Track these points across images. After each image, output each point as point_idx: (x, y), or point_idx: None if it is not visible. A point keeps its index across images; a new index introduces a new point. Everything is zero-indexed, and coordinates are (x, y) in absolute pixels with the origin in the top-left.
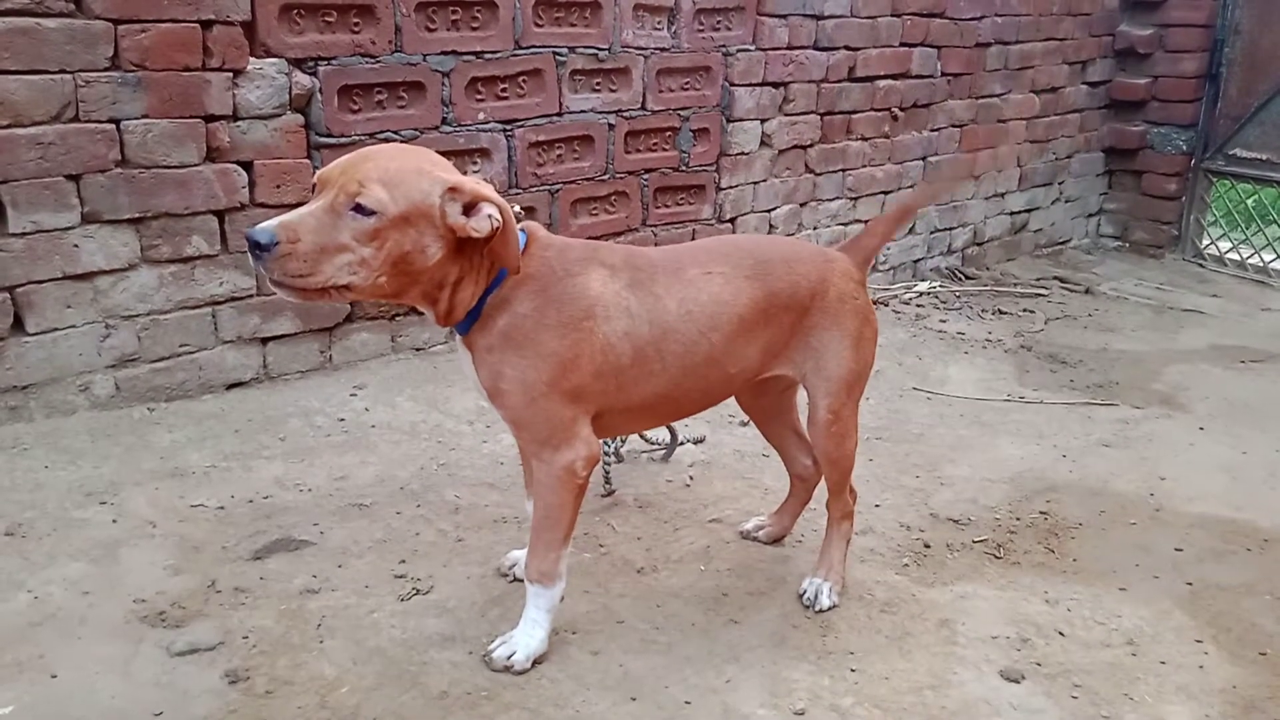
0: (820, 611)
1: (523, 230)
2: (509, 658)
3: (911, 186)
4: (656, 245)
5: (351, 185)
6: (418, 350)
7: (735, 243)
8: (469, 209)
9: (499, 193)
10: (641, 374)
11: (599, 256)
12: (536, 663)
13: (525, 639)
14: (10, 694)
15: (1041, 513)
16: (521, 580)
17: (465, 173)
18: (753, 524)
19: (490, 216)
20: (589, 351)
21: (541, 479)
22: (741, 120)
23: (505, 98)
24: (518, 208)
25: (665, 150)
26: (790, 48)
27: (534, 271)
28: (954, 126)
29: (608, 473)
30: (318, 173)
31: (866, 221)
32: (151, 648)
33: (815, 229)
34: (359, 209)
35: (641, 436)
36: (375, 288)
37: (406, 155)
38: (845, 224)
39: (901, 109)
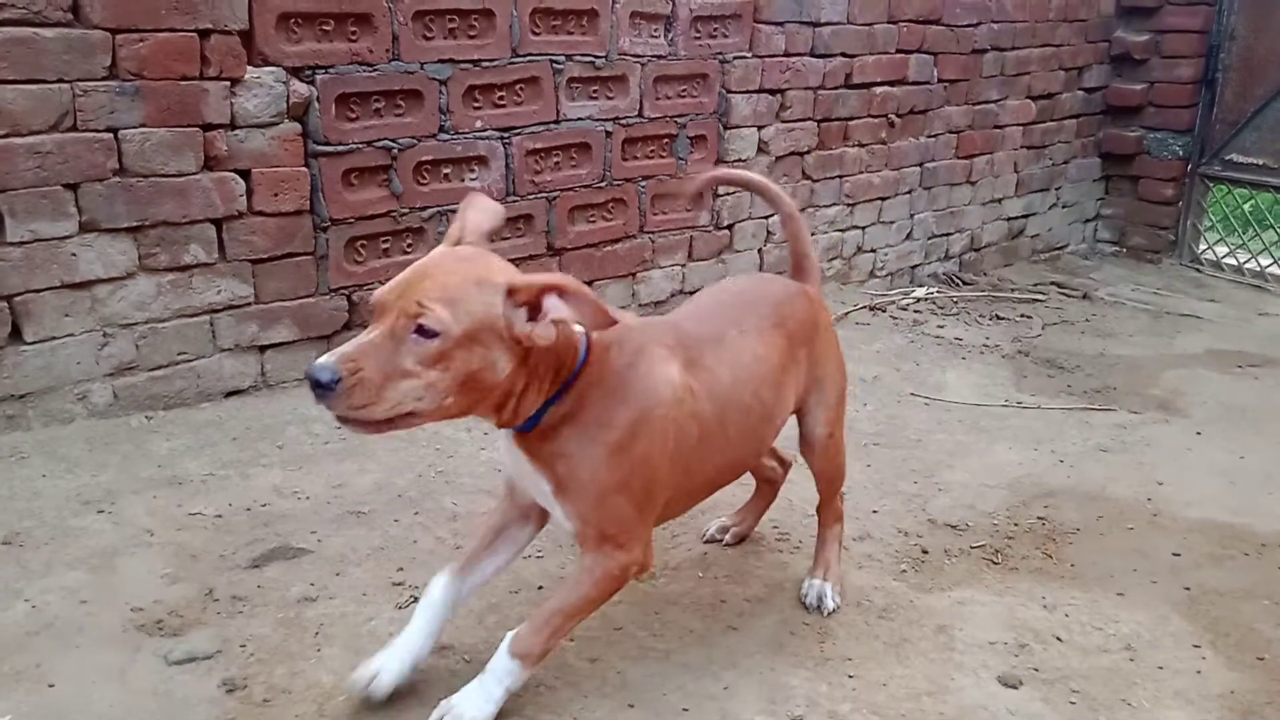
0: (828, 615)
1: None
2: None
3: (909, 192)
4: (654, 252)
5: (411, 307)
6: None
7: (745, 291)
8: (532, 310)
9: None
10: (708, 451)
11: (653, 338)
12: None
13: (472, 711)
14: (8, 703)
15: (1039, 518)
16: (378, 699)
17: (463, 181)
18: (716, 526)
19: (554, 318)
20: (661, 442)
21: (590, 568)
22: (739, 127)
23: (503, 106)
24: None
25: (663, 157)
26: (787, 55)
27: (597, 371)
28: (951, 133)
29: None
30: (374, 296)
31: (864, 228)
32: (149, 656)
33: (812, 235)
34: (421, 331)
35: None
36: (444, 410)
37: (464, 266)
38: (842, 230)
39: (898, 115)
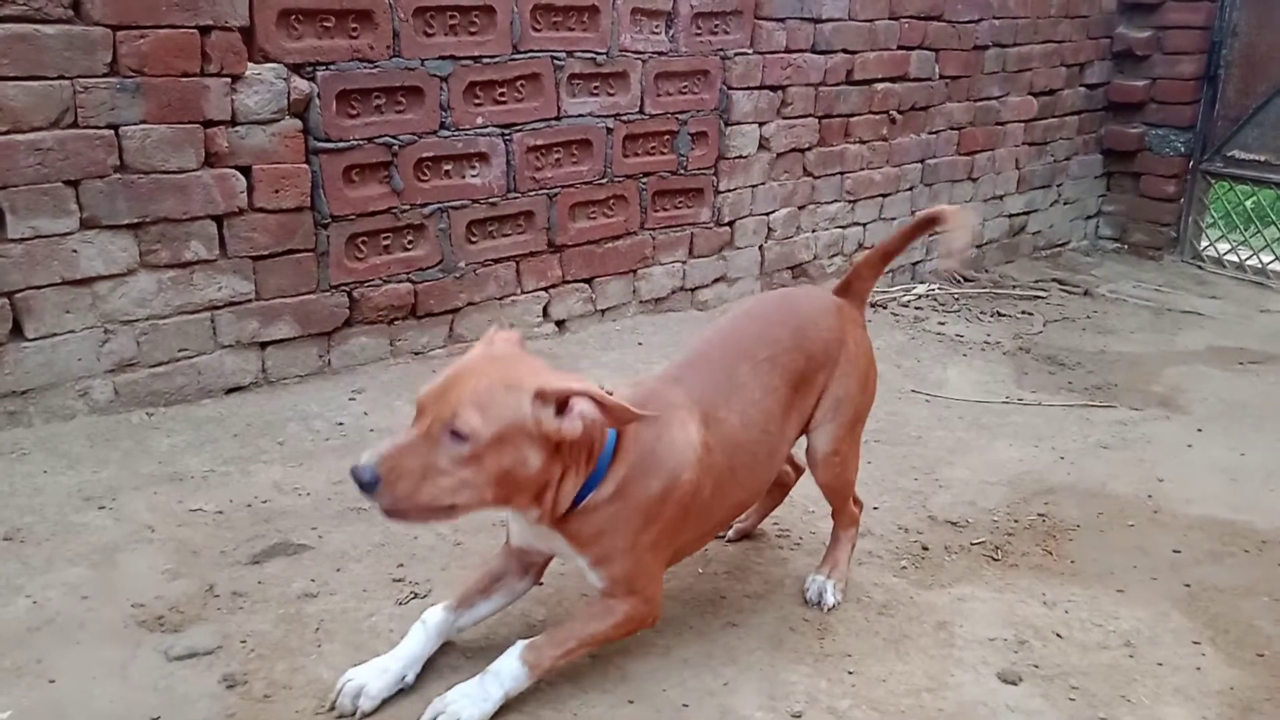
0: (828, 610)
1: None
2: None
3: (910, 189)
4: (654, 248)
5: (445, 412)
6: (416, 354)
7: (768, 314)
8: (560, 408)
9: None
10: (720, 497)
11: (674, 402)
12: None
13: (470, 710)
14: (9, 699)
15: (1039, 515)
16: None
17: (464, 178)
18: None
19: (581, 414)
20: (687, 502)
21: (614, 609)
22: (740, 124)
23: (503, 102)
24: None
25: (663, 154)
26: (788, 51)
27: (631, 450)
28: (952, 129)
29: None
30: (417, 397)
31: (864, 224)
32: (150, 652)
33: (813, 232)
34: (455, 434)
35: None
36: (482, 504)
37: (495, 369)
38: (843, 227)
39: (900, 112)
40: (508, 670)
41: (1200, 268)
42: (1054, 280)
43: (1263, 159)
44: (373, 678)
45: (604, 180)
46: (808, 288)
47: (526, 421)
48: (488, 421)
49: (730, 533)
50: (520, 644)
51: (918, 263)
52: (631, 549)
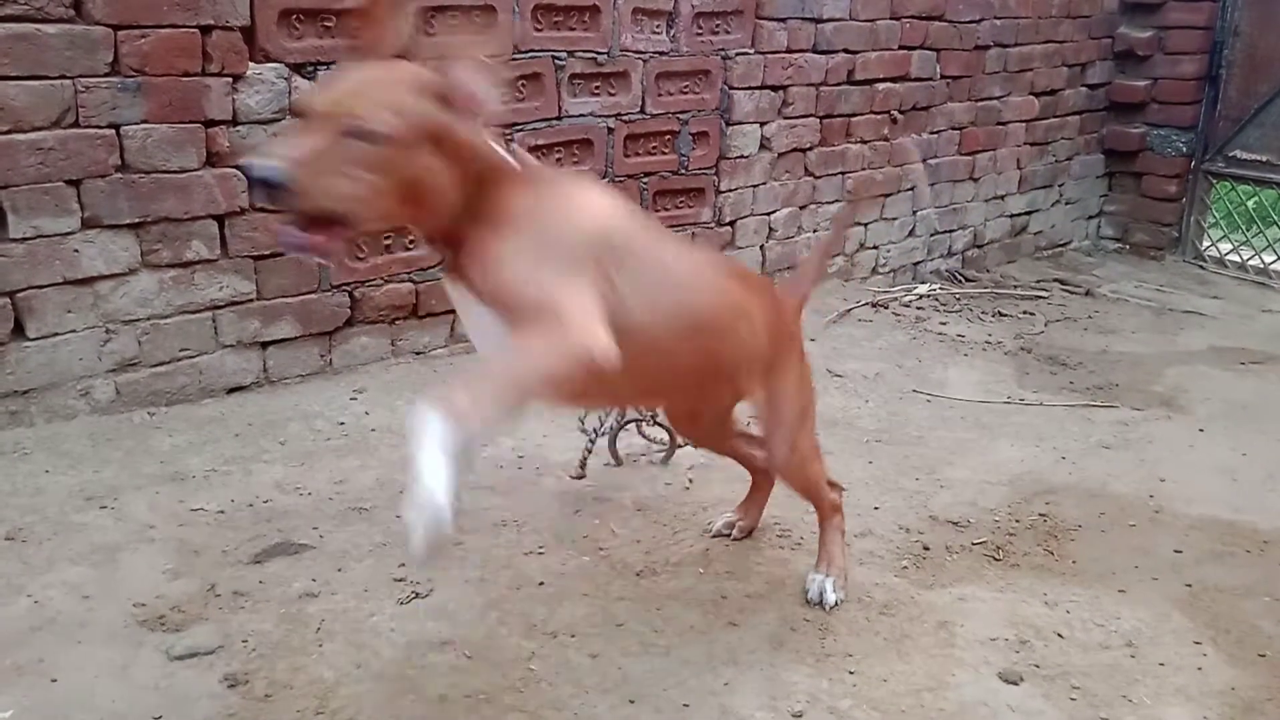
0: (830, 609)
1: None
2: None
3: (911, 189)
4: None
5: (353, 109)
6: (418, 354)
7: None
8: (459, 97)
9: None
10: (629, 308)
11: (588, 187)
12: None
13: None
14: (10, 698)
15: (1041, 515)
16: None
17: None
18: (723, 522)
19: (475, 88)
20: (582, 242)
21: (542, 338)
22: (741, 123)
23: (504, 101)
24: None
25: (664, 153)
26: (789, 51)
27: (530, 177)
28: (953, 129)
29: (585, 457)
30: (309, 103)
31: (865, 225)
32: (151, 651)
33: (815, 231)
34: (365, 136)
35: (642, 434)
36: (385, 215)
37: (395, 70)
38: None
39: (901, 112)
40: (431, 431)
41: (1202, 268)
42: (1055, 280)
43: (1264, 159)
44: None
45: (605, 179)
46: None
47: (435, 118)
48: (397, 121)
49: (734, 530)
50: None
51: (919, 263)
52: (535, 258)
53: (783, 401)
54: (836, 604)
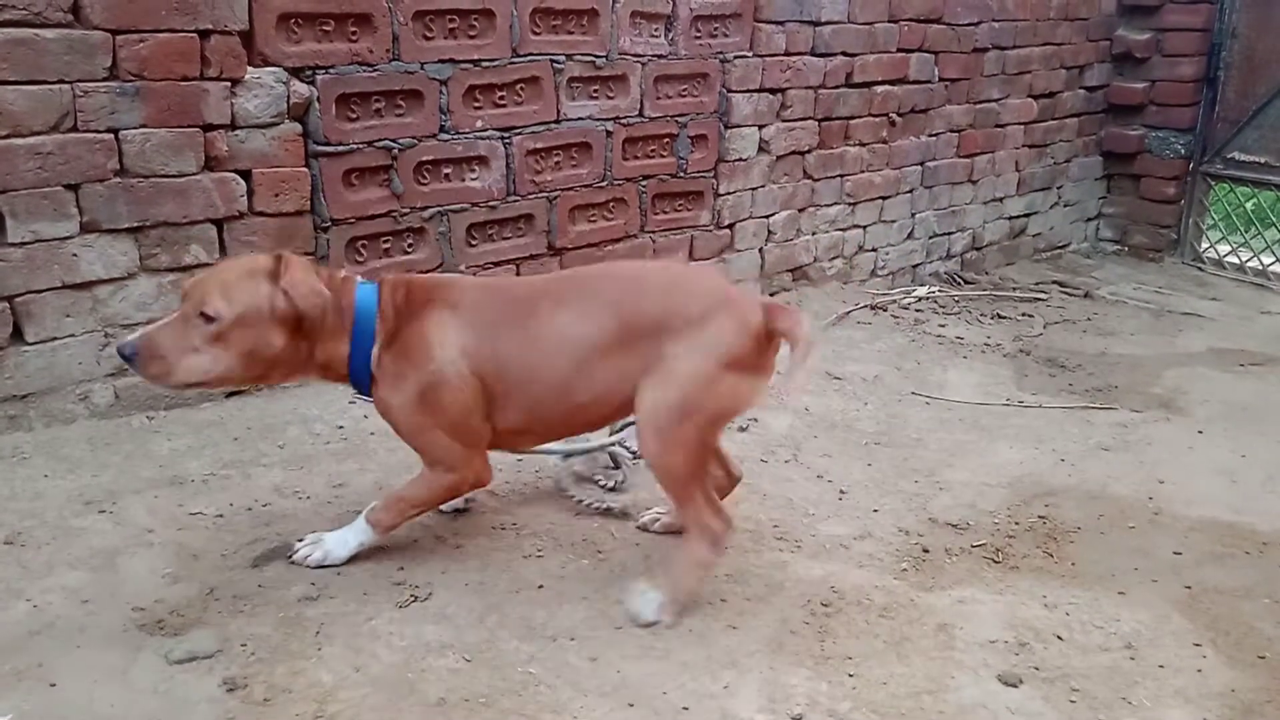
0: (643, 625)
1: (369, 282)
2: (307, 556)
3: (910, 191)
4: (655, 252)
5: (198, 297)
6: None
7: (611, 271)
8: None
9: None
10: (497, 404)
11: (442, 294)
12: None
13: (332, 546)
14: (9, 703)
15: (1040, 517)
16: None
17: (464, 181)
18: (649, 516)
19: (289, 285)
20: (449, 394)
21: (428, 478)
22: (739, 126)
23: (503, 105)
24: (344, 271)
25: (663, 157)
26: (788, 54)
27: (391, 321)
28: (952, 131)
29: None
30: (184, 285)
31: (865, 227)
32: (150, 656)
33: (814, 234)
34: (204, 317)
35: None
36: (233, 378)
37: (247, 263)
38: (844, 229)
39: (899, 114)
40: (359, 526)
41: (1200, 270)
42: (1054, 282)
43: (1263, 161)
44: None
45: (604, 183)
46: (690, 270)
47: (264, 305)
48: (231, 305)
49: (657, 526)
50: (368, 508)
51: (918, 265)
52: (410, 426)
53: (662, 376)
54: (652, 624)
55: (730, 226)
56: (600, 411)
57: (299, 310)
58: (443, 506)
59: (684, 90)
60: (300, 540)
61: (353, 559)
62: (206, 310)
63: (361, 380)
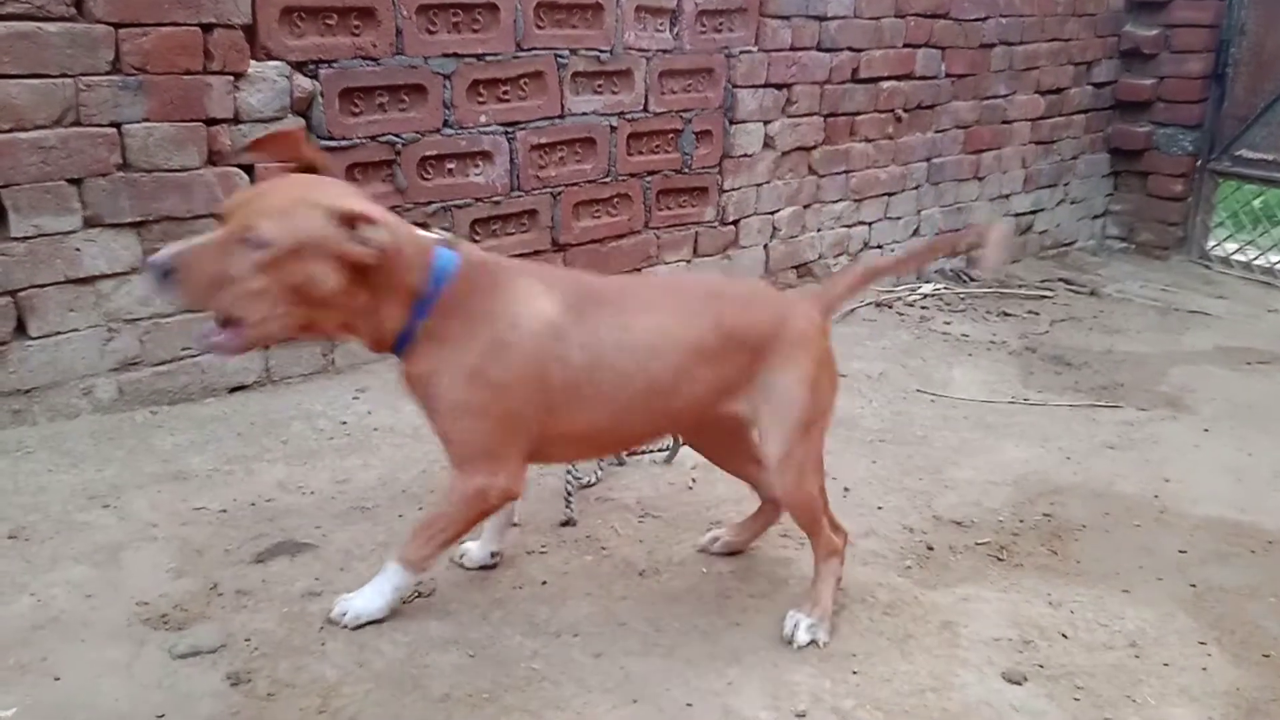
0: (799, 648)
1: (452, 250)
2: (342, 615)
3: (916, 188)
4: (659, 247)
5: (245, 219)
6: None
7: (692, 279)
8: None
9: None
10: (574, 401)
11: (537, 276)
12: (374, 622)
13: (363, 603)
14: (13, 696)
15: (1045, 515)
16: (469, 569)
17: (467, 176)
18: (708, 538)
19: (371, 236)
20: (519, 373)
21: (452, 490)
22: (744, 122)
23: (507, 100)
24: (437, 231)
25: (668, 152)
26: (793, 49)
27: (463, 294)
28: (958, 128)
29: (569, 499)
30: (223, 206)
31: (870, 223)
32: (154, 650)
33: (819, 231)
34: (250, 242)
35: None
36: (277, 320)
37: (302, 187)
38: (849, 226)
39: (905, 110)
40: (389, 570)
41: (1208, 267)
42: (1060, 280)
43: (1271, 158)
44: (476, 548)
45: (608, 179)
46: (757, 281)
47: (323, 237)
48: (284, 231)
49: (717, 545)
50: (395, 549)
51: None
52: (453, 403)
53: (776, 396)
54: (807, 644)
55: (735, 223)
56: (682, 421)
57: (377, 257)
58: (467, 561)
59: (689, 85)
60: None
61: (353, 555)
62: (255, 234)
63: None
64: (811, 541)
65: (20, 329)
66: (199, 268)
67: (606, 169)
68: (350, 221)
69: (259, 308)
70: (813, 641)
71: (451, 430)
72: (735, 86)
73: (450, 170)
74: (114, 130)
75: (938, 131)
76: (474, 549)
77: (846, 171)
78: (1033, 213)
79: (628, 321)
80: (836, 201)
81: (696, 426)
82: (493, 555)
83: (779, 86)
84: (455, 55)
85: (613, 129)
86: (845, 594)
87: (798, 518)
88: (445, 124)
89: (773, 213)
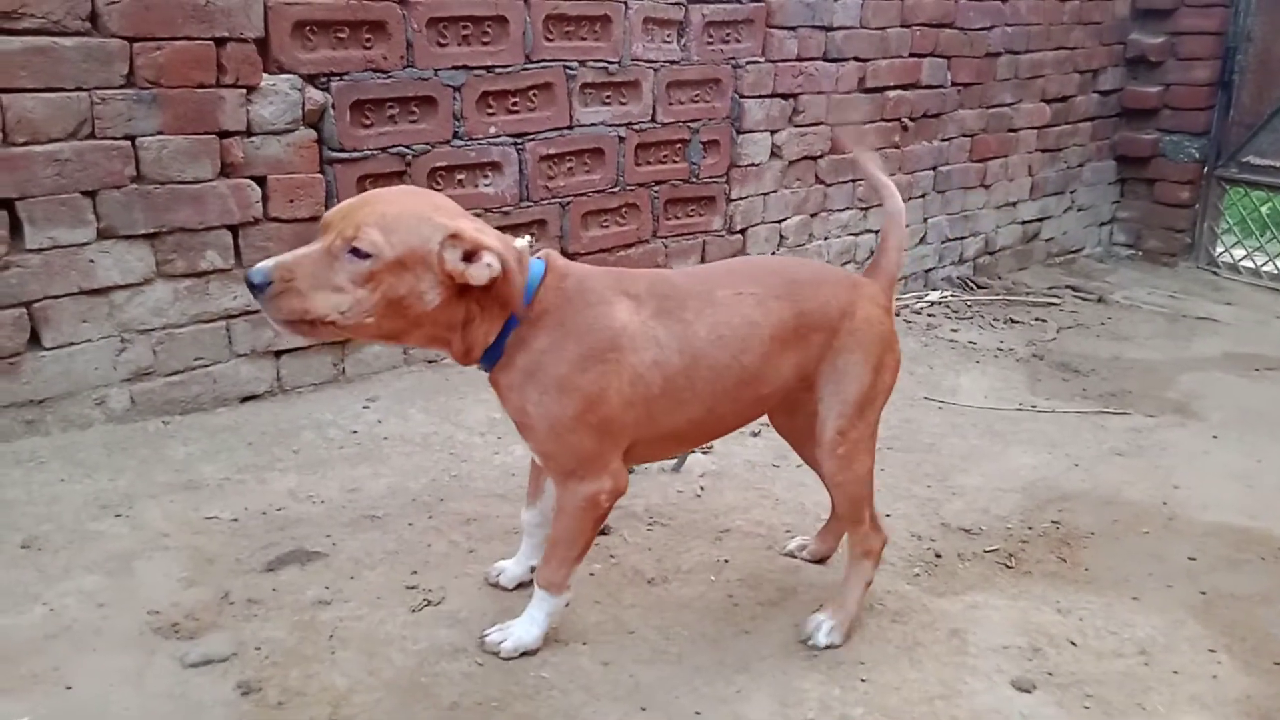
0: (817, 650)
1: (540, 259)
2: (499, 644)
3: (923, 196)
4: (666, 256)
5: (349, 229)
6: (430, 362)
7: (762, 263)
8: (469, 256)
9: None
10: (673, 402)
11: (622, 285)
12: (527, 654)
13: (520, 632)
14: (25, 705)
15: (1054, 522)
16: (508, 589)
17: (477, 186)
18: (795, 544)
19: (489, 265)
20: (616, 384)
21: (564, 504)
22: (751, 132)
23: (516, 111)
24: (525, 239)
25: (675, 162)
26: (800, 59)
27: (552, 304)
28: (965, 136)
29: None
30: (326, 215)
31: (877, 231)
32: (165, 659)
33: (826, 239)
34: (355, 252)
35: None
36: (367, 328)
37: (409, 199)
38: (856, 234)
39: (912, 119)
40: (536, 597)
41: (1215, 274)
42: (1068, 287)
43: (1277, 165)
44: (512, 565)
45: (616, 189)
46: (823, 263)
47: (431, 255)
48: (391, 244)
49: (805, 553)
50: (539, 573)
51: (930, 270)
52: (550, 419)
53: (846, 380)
54: (828, 647)
55: (742, 231)
56: (765, 406)
57: (498, 281)
58: (504, 580)
59: (696, 96)
60: (487, 632)
61: (363, 564)
62: (360, 245)
63: (495, 360)
64: (849, 535)
65: (34, 340)
66: (300, 279)
67: (615, 179)
68: (466, 251)
69: (352, 315)
70: (830, 645)
71: (548, 444)
72: (742, 96)
73: (460, 181)
74: (128, 143)
75: (944, 140)
76: (510, 567)
77: (854, 180)
78: (1040, 220)
79: (717, 317)
80: (843, 210)
81: (780, 411)
82: (531, 570)
83: (786, 96)
84: (465, 67)
85: (621, 139)
86: (849, 634)
87: (841, 501)
88: (455, 135)
89: (780, 221)
